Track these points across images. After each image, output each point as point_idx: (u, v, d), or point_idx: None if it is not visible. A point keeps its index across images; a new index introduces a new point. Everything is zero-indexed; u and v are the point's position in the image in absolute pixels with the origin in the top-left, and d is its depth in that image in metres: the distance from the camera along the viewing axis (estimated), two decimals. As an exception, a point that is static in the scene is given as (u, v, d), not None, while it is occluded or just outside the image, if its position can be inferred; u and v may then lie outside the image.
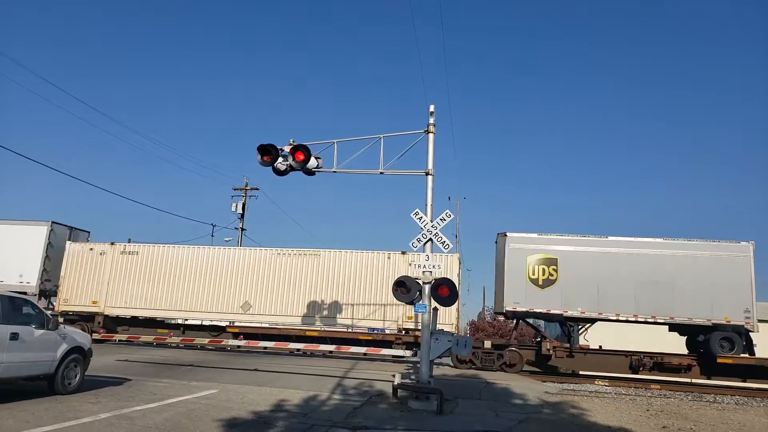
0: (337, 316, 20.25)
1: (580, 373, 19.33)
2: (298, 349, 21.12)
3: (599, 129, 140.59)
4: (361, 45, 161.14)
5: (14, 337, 7.94)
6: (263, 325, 21.40)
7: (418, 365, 10.89)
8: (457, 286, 11.59)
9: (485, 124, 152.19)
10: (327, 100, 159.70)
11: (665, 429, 9.02)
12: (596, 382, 17.10)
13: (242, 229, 34.43)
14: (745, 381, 17.98)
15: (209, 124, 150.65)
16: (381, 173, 11.69)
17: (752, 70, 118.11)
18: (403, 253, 20.15)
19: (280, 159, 11.56)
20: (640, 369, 18.39)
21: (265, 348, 21.31)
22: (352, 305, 20.22)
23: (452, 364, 19.75)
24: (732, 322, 17.72)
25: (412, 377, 12.15)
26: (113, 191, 50.40)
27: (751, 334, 17.97)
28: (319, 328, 21.16)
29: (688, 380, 18.66)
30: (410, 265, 19.36)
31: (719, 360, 17.59)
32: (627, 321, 18.67)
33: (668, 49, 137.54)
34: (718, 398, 14.61)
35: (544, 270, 19.15)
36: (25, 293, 19.26)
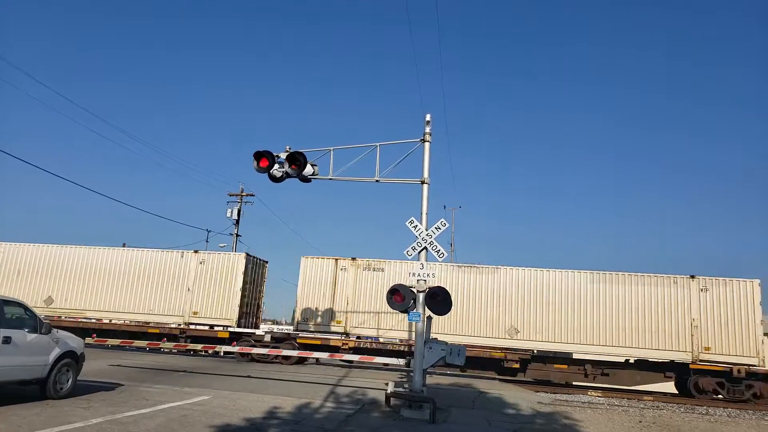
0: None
1: (574, 383, 19.36)
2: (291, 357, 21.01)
3: (599, 135, 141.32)
4: (358, 50, 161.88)
5: (6, 340, 7.91)
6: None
7: (412, 374, 10.89)
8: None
9: (483, 130, 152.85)
10: (324, 105, 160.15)
11: (657, 440, 9.06)
12: (589, 393, 17.11)
13: (237, 235, 34.40)
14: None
15: (205, 129, 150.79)
16: (377, 181, 11.75)
17: (751, 78, 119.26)
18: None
19: (276, 166, 11.61)
20: None
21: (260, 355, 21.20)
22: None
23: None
24: None
25: (405, 386, 12.14)
26: (108, 195, 50.20)
27: None
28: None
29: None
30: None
31: None
32: None
33: (669, 56, 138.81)
34: (710, 410, 14.64)
35: None
36: None
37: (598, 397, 16.40)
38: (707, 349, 18.08)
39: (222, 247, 35.22)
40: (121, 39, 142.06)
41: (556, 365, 19.18)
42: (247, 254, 22.13)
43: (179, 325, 21.24)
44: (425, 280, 10.55)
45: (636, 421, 11.16)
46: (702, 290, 18.66)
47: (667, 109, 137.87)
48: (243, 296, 21.58)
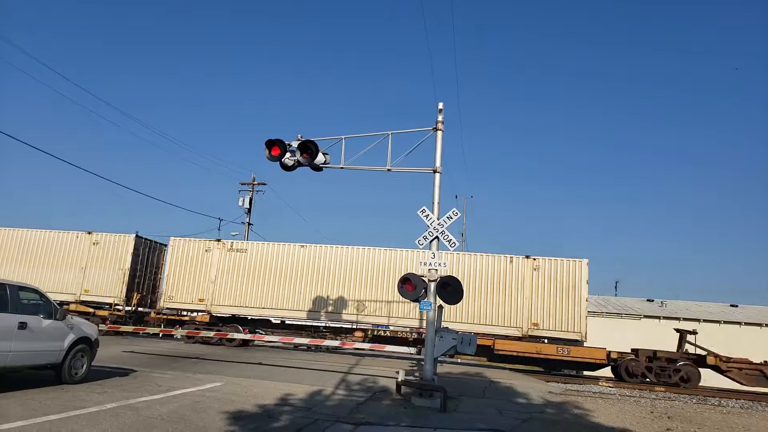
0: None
1: (584, 373, 19.33)
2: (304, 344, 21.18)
3: (611, 130, 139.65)
4: (371, 43, 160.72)
5: (22, 326, 8.01)
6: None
7: (422, 363, 10.90)
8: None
9: (495, 122, 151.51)
10: (335, 97, 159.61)
11: (669, 431, 9.00)
12: (600, 383, 17.06)
13: (249, 224, 34.55)
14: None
15: (217, 118, 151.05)
16: (388, 170, 11.69)
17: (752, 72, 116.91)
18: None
19: (288, 154, 11.58)
20: None
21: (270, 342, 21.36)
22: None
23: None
24: None
25: (416, 374, 12.17)
26: (120, 183, 50.62)
27: None
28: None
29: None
30: (534, 270, 19.60)
31: None
32: None
33: (684, 52, 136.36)
34: (722, 402, 14.53)
35: None
36: None
37: (610, 387, 16.34)
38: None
39: (234, 235, 35.47)
40: (127, 31, 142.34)
41: None
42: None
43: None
44: (437, 270, 10.52)
45: (647, 411, 11.09)
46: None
47: (678, 103, 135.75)
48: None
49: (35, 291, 8.89)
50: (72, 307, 21.71)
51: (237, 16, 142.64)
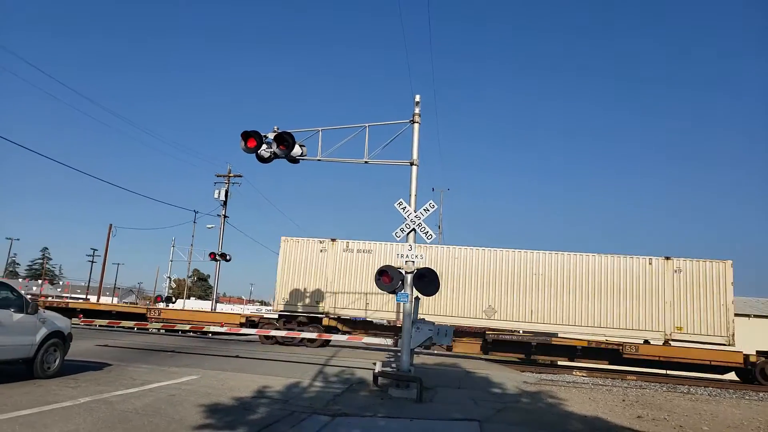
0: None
1: (559, 363, 19.69)
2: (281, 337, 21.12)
3: (590, 123, 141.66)
4: (350, 37, 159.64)
5: (-8, 320, 7.85)
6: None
7: (399, 354, 10.98)
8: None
9: (471, 115, 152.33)
10: (314, 91, 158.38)
11: (640, 419, 9.22)
12: (574, 373, 17.40)
13: (225, 216, 34.21)
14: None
15: (194, 112, 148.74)
16: (366, 162, 11.69)
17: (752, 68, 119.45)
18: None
19: (264, 146, 11.50)
20: None
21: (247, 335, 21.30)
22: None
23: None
24: None
25: (393, 365, 12.26)
26: (95, 175, 49.48)
27: None
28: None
29: (664, 372, 19.12)
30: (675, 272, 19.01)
31: None
32: None
33: (650, 43, 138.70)
34: (692, 389, 14.95)
35: None
36: None
37: (583, 376, 16.68)
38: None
39: (210, 228, 35.10)
40: (109, 25, 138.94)
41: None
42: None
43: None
44: (413, 261, 10.59)
45: (619, 399, 11.36)
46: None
47: (647, 92, 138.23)
48: None
49: (5, 285, 8.69)
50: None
51: (236, 15, 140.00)
